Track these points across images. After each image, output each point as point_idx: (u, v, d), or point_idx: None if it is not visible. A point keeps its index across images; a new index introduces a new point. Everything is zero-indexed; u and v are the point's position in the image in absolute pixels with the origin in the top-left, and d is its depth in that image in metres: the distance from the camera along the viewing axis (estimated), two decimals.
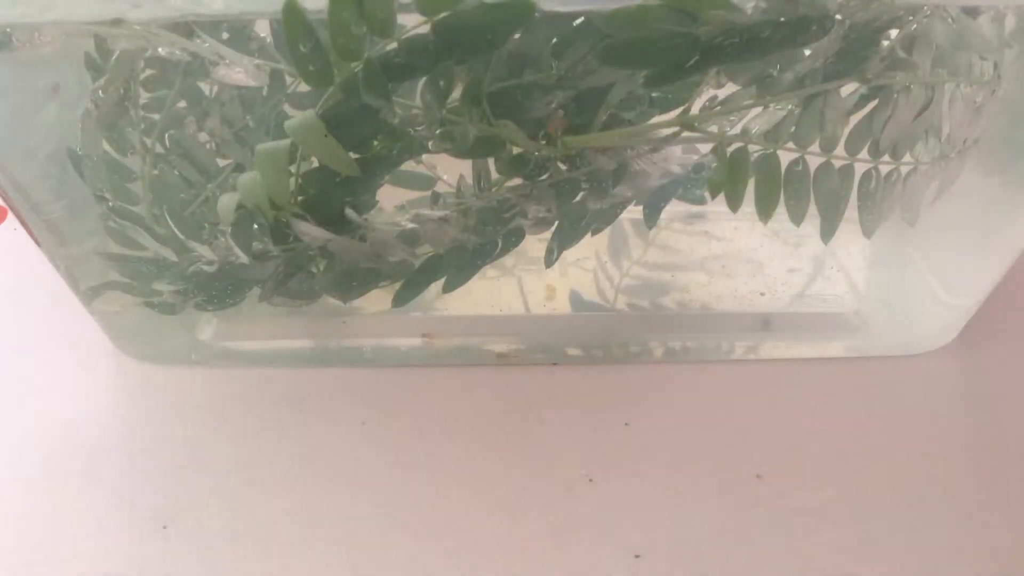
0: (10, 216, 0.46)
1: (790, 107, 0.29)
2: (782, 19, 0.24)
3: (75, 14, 0.26)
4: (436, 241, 0.32)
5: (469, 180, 0.32)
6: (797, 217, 0.30)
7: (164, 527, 0.28)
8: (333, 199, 0.29)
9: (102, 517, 0.29)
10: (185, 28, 0.26)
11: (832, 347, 0.37)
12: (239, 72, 0.27)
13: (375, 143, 0.29)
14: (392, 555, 0.27)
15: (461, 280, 0.33)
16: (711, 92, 0.29)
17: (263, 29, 0.29)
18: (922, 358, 0.36)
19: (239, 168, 0.31)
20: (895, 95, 0.29)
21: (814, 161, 0.30)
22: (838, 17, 0.25)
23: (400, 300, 0.33)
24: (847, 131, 0.30)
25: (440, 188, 0.33)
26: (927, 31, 0.28)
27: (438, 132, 0.28)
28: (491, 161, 0.31)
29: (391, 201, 0.33)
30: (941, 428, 0.32)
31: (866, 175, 0.31)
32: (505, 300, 0.37)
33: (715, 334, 0.37)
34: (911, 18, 0.28)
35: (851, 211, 0.31)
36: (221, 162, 0.32)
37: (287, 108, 0.30)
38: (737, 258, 0.39)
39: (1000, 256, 0.34)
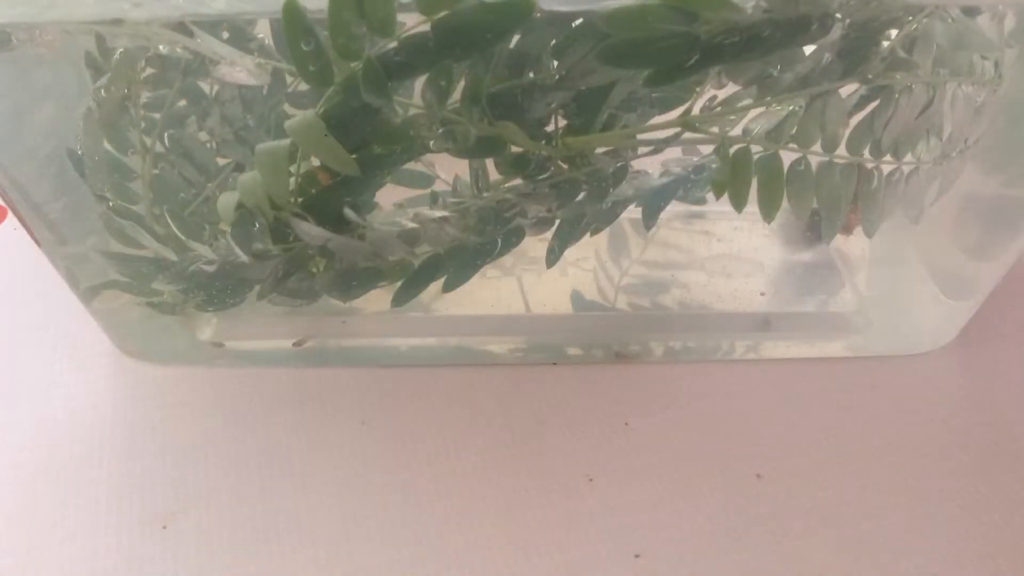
0: (10, 216, 0.46)
1: (791, 107, 0.29)
2: (782, 18, 0.24)
3: (76, 13, 0.26)
4: (436, 241, 0.32)
5: (466, 179, 0.32)
6: (801, 214, 0.30)
7: (164, 527, 0.28)
8: (333, 199, 0.29)
9: (102, 516, 0.29)
10: (186, 27, 0.26)
11: (832, 347, 0.37)
12: (240, 71, 0.27)
13: (375, 147, 0.28)
14: (392, 555, 0.27)
15: (461, 280, 0.33)
16: (712, 92, 0.29)
17: (263, 29, 0.29)
18: (922, 358, 0.36)
19: (239, 168, 0.31)
20: (896, 95, 0.29)
21: (816, 161, 0.30)
22: (838, 16, 0.25)
23: (400, 300, 0.33)
24: (848, 131, 0.30)
25: (439, 187, 0.34)
26: (927, 31, 0.28)
27: (439, 132, 0.28)
28: (490, 161, 0.31)
29: (389, 199, 0.33)
30: (941, 428, 0.32)
31: (868, 175, 0.31)
32: (505, 300, 0.37)
33: (715, 334, 0.37)
34: (911, 18, 0.28)
35: None
36: (221, 161, 0.32)
37: (287, 108, 0.30)
38: (737, 258, 0.39)
39: (1000, 256, 0.34)
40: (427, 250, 0.32)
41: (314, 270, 0.32)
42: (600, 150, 0.31)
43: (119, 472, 0.30)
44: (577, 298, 0.38)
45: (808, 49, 0.28)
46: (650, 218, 0.35)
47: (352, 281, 0.33)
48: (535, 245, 0.34)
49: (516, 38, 0.27)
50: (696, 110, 0.29)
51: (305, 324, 0.37)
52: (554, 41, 0.27)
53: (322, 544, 0.28)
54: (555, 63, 0.27)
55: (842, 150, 0.30)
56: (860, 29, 0.27)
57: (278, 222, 0.29)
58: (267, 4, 0.25)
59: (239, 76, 0.27)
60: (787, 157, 0.30)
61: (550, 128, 0.30)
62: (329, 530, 0.28)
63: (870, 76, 0.28)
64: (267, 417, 0.33)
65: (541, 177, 0.31)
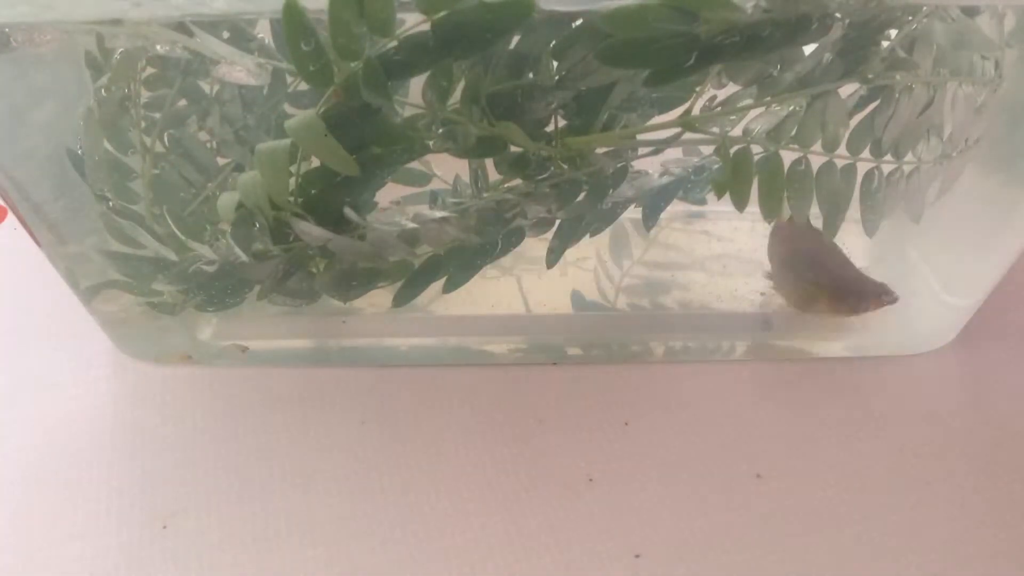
0: (10, 216, 0.46)
1: (792, 107, 0.29)
2: (782, 18, 0.24)
3: (75, 14, 0.26)
4: (436, 241, 0.32)
5: (466, 179, 0.32)
6: (801, 214, 0.30)
7: (164, 527, 0.28)
8: (333, 199, 0.29)
9: (102, 516, 0.29)
10: (185, 27, 0.26)
11: (832, 347, 0.37)
12: (240, 71, 0.27)
13: (375, 147, 0.28)
14: (392, 555, 0.27)
15: (461, 280, 0.33)
16: (712, 92, 0.29)
17: (263, 29, 0.29)
18: (922, 358, 0.36)
19: (239, 168, 0.31)
20: (897, 95, 0.29)
21: (817, 161, 0.30)
22: (838, 16, 0.25)
23: (400, 300, 0.33)
24: (849, 131, 0.30)
25: (438, 186, 0.33)
26: (927, 31, 0.28)
27: (439, 132, 0.28)
28: (489, 161, 0.31)
29: (386, 197, 0.33)
30: (941, 428, 0.32)
31: (868, 174, 0.31)
32: (505, 300, 0.37)
33: (715, 334, 0.37)
34: (911, 18, 0.28)
35: (851, 211, 0.31)
36: (221, 161, 0.32)
37: (287, 107, 0.30)
38: (737, 258, 0.39)
39: (1000, 256, 0.34)
40: (427, 250, 0.32)
41: (314, 270, 0.32)
42: (600, 150, 0.31)
43: (119, 472, 0.30)
44: (577, 298, 0.38)
45: (808, 49, 0.28)
46: (650, 219, 0.35)
47: (352, 281, 0.32)
48: (535, 245, 0.34)
49: (516, 38, 0.27)
50: (696, 110, 0.29)
51: (305, 324, 0.37)
52: (554, 42, 0.27)
53: (322, 544, 0.28)
54: (555, 63, 0.27)
55: (842, 150, 0.30)
56: (860, 29, 0.27)
57: (278, 222, 0.29)
58: (267, 4, 0.25)
59: (239, 76, 0.27)
60: (787, 157, 0.30)
61: (550, 128, 0.30)
62: (329, 530, 0.28)
63: (870, 76, 0.28)
64: (267, 417, 0.33)
65: (541, 177, 0.31)
